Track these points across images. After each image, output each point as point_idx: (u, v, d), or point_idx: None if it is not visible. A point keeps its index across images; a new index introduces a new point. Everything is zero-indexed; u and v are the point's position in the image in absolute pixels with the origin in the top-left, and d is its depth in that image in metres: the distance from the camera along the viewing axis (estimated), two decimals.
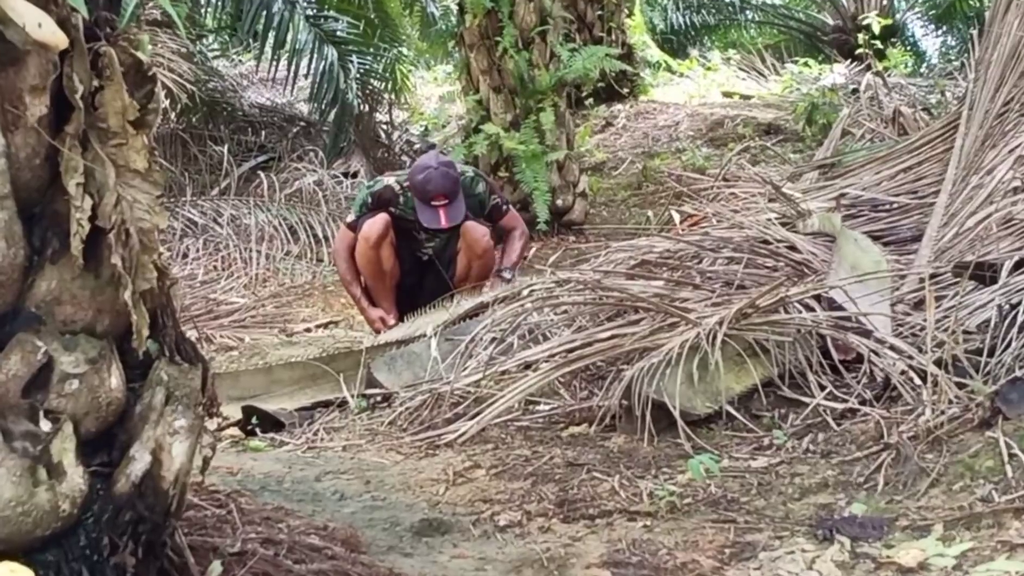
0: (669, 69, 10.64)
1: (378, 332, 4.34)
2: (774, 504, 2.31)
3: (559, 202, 6.71)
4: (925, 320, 2.87)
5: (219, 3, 8.29)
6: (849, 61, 10.30)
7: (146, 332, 1.55)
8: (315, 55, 7.77)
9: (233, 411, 3.27)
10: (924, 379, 2.67)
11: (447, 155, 5.13)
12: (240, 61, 10.19)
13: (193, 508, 1.98)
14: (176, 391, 1.58)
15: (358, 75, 8.27)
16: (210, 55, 9.34)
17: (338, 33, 8.05)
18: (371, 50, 8.59)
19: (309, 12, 7.91)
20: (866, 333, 2.99)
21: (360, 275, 4.52)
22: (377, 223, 4.41)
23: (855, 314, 3.05)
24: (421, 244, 4.58)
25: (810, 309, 3.10)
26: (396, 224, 4.45)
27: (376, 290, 4.53)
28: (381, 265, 4.46)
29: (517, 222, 4.69)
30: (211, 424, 1.99)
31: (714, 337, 2.81)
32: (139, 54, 1.56)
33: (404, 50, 10.11)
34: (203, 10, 8.53)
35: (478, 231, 4.46)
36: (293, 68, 7.87)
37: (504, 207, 4.66)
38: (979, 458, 2.25)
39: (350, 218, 4.58)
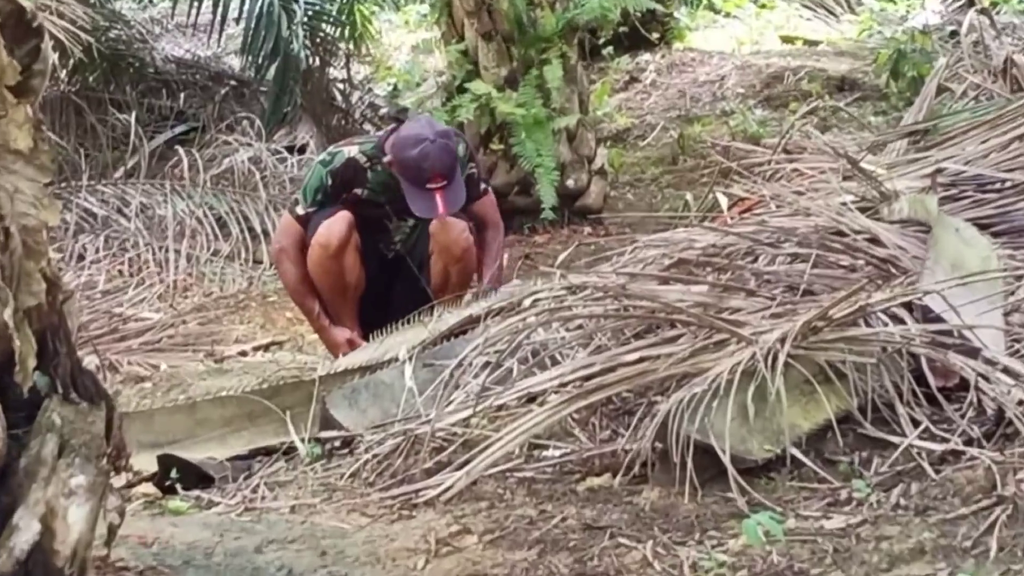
0: (712, 7, 10.66)
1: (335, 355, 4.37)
2: None
3: (570, 182, 6.71)
4: None
5: None
6: None
7: (32, 362, 1.60)
8: None
9: (146, 462, 3.25)
10: None
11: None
12: (150, 2, 10.20)
13: None
14: (72, 438, 1.61)
15: (305, 19, 8.29)
16: None
17: None
18: None
19: None
20: (972, 352, 2.98)
21: (314, 285, 4.53)
22: (337, 224, 4.41)
23: (957, 327, 3.04)
24: (390, 237, 4.59)
25: (899, 321, 3.09)
26: (360, 213, 4.45)
27: (335, 306, 4.53)
28: (344, 277, 4.47)
29: (493, 212, 4.69)
30: (118, 480, 2.09)
31: (774, 359, 2.81)
32: None
33: None
34: None
35: (454, 230, 4.45)
36: (220, 11, 7.88)
37: (483, 184, 4.67)
38: None
39: (301, 209, 4.55)
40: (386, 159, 4.39)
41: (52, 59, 1.94)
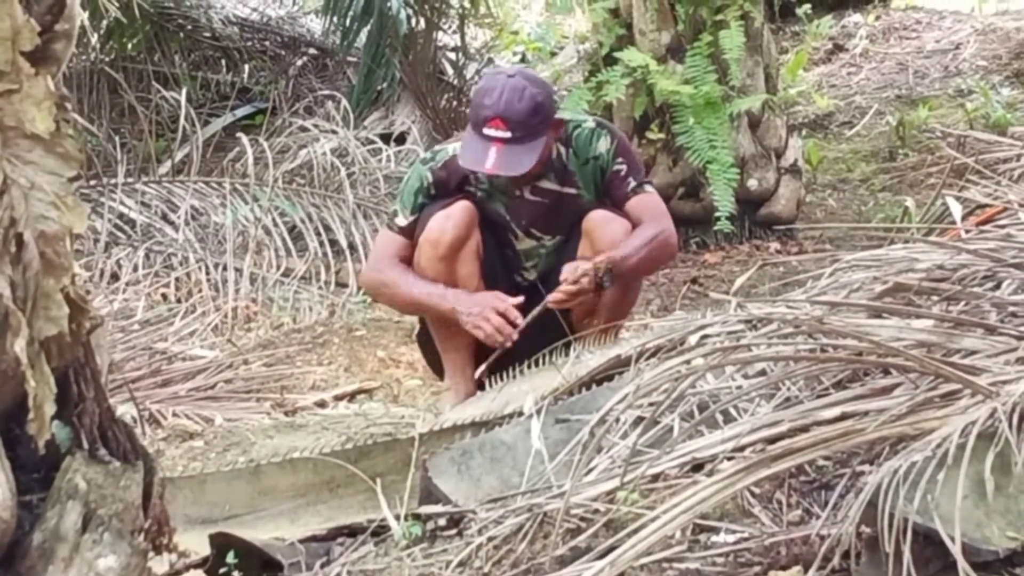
0: None
1: (490, 342, 3.90)
2: None
3: (752, 183, 6.36)
4: None
5: None
6: None
7: (51, 408, 1.58)
8: None
9: (196, 541, 3.05)
10: None
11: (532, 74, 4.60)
12: None
13: None
14: (100, 508, 1.63)
15: None
16: None
17: None
18: None
19: None
20: None
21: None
22: (453, 216, 3.99)
23: None
24: (519, 257, 4.18)
25: None
26: (482, 216, 4.06)
27: (447, 333, 4.11)
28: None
29: (652, 212, 4.10)
30: (159, 564, 1.98)
31: (1022, 418, 2.63)
32: None
33: None
34: None
35: (613, 228, 3.99)
36: None
37: (632, 182, 4.09)
38: None
39: (402, 219, 4.17)
40: None
41: (81, 18, 1.89)
